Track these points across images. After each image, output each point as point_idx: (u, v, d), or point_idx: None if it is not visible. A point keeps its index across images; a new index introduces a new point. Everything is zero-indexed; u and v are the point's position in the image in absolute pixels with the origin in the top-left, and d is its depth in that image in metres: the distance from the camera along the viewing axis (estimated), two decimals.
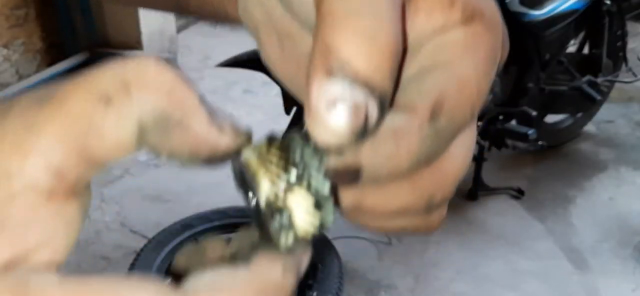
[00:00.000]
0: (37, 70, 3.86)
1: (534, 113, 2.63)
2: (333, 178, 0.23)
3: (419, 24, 0.24)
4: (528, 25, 2.52)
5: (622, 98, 3.60)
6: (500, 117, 2.71)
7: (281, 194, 0.22)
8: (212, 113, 0.22)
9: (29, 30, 3.82)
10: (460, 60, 0.25)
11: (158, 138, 0.21)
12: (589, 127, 3.35)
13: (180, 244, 2.12)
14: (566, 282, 2.32)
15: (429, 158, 0.24)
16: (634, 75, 3.06)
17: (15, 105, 0.20)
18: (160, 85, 0.20)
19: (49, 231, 0.20)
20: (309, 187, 0.22)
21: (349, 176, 0.23)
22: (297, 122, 2.19)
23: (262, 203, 0.22)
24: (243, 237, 0.25)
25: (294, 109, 2.20)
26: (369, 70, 0.21)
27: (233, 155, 0.22)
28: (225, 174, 0.46)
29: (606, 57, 2.91)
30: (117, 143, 0.20)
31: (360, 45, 0.21)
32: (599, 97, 2.86)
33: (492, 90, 2.48)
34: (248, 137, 0.23)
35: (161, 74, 0.21)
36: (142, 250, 2.11)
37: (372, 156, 0.23)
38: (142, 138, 0.21)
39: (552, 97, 2.82)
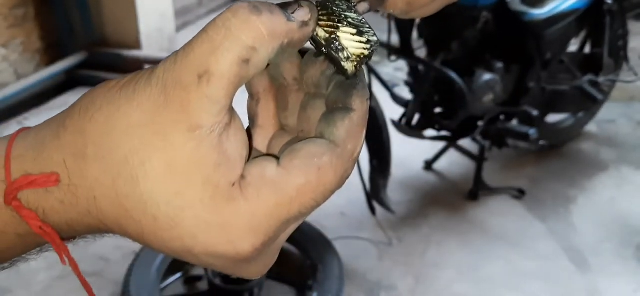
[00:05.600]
0: (36, 70, 3.85)
1: (535, 112, 2.63)
2: (369, 4, 0.36)
3: None
4: (529, 25, 2.52)
5: (623, 97, 3.59)
6: (502, 117, 2.71)
7: (333, 36, 0.34)
8: (289, 9, 0.33)
9: (28, 29, 3.81)
10: None
11: (278, 57, 0.33)
12: (591, 127, 3.34)
13: None
14: (567, 283, 2.32)
15: None
16: (635, 74, 3.05)
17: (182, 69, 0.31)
18: (267, 34, 0.31)
19: (240, 141, 0.33)
20: (348, 24, 0.34)
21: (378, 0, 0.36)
22: None
23: (324, 46, 0.34)
24: (316, 66, 0.37)
25: None
26: None
27: None
28: None
29: (607, 56, 2.91)
30: (255, 73, 0.32)
31: None
32: (600, 97, 2.86)
33: (493, 90, 2.48)
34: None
35: (263, 25, 0.31)
36: (141, 251, 2.10)
37: None
38: (270, 62, 0.33)
39: (553, 97, 2.82)
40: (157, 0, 4.09)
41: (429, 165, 2.99)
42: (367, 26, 0.34)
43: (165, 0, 4.18)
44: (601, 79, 2.90)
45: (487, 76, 2.46)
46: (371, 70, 2.49)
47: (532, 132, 2.54)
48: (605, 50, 2.87)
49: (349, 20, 0.34)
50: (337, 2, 0.34)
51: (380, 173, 2.37)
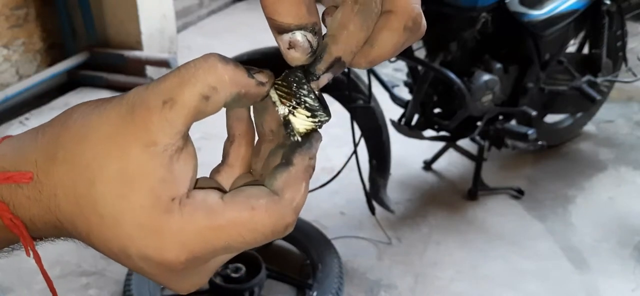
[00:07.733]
0: (37, 70, 3.86)
1: (534, 113, 2.64)
2: (332, 73, 0.40)
3: None
4: (528, 26, 2.53)
5: (621, 98, 3.60)
6: (500, 117, 2.72)
7: (290, 114, 0.40)
8: (252, 71, 0.38)
9: (29, 30, 3.83)
10: None
11: (235, 103, 0.38)
12: (589, 127, 3.36)
13: None
14: (566, 282, 2.32)
15: (371, 17, 0.39)
16: (634, 75, 3.07)
17: (150, 100, 0.35)
18: (229, 80, 0.36)
19: (189, 165, 0.37)
20: (305, 107, 0.40)
21: (338, 66, 0.40)
22: None
23: (282, 117, 0.40)
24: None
25: None
26: (295, 19, 0.37)
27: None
28: None
29: (606, 56, 2.92)
30: (212, 111, 0.37)
31: (283, 9, 0.37)
32: (598, 97, 2.87)
33: (491, 90, 2.49)
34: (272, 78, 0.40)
35: (227, 72, 0.36)
36: None
37: (336, 47, 0.39)
38: (226, 106, 0.38)
39: (552, 97, 2.83)
40: (159, 1, 4.10)
41: (428, 165, 3.01)
42: (320, 110, 0.40)
43: (167, 2, 4.19)
44: (599, 80, 2.91)
45: (486, 77, 2.47)
46: (371, 71, 2.51)
47: (530, 132, 2.54)
48: (604, 50, 2.88)
49: (307, 105, 0.40)
50: (297, 78, 0.40)
51: (379, 173, 2.38)
